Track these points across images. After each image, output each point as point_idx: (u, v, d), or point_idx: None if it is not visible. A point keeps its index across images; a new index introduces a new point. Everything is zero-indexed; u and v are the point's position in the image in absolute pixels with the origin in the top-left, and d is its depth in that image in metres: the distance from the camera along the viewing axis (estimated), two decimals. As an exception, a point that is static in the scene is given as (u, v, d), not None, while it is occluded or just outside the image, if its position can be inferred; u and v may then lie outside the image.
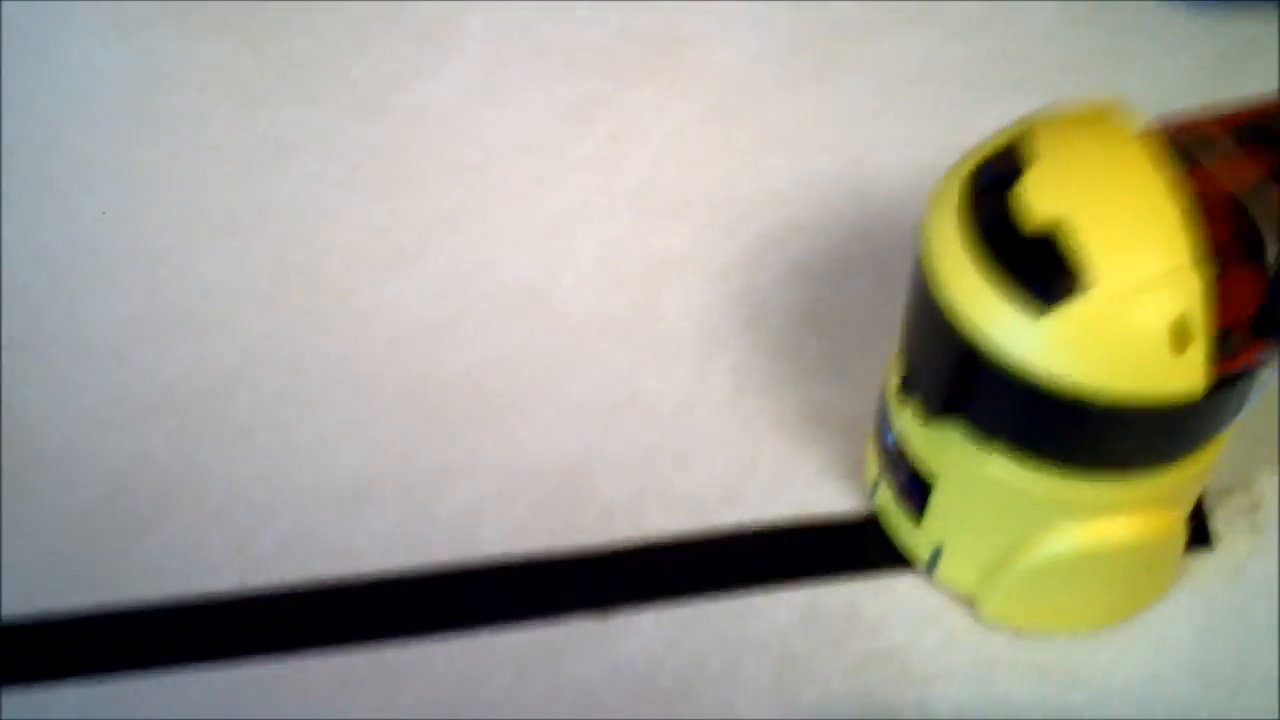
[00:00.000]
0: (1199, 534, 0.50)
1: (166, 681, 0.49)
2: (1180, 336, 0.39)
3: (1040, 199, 0.40)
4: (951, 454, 0.45)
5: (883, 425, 0.48)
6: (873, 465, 0.51)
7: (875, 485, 0.51)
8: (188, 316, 0.57)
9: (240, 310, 0.57)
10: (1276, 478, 0.52)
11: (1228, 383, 0.40)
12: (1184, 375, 0.39)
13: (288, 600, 0.51)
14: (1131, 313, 0.39)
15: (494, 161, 0.62)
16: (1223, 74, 0.63)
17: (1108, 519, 0.45)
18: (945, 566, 0.49)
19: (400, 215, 0.60)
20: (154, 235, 0.60)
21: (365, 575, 0.51)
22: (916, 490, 0.47)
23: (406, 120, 0.63)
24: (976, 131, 0.44)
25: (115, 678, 0.49)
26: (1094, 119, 0.42)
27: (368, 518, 0.52)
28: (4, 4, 0.67)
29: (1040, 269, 0.40)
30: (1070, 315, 0.39)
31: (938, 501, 0.47)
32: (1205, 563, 0.50)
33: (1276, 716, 0.47)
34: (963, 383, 0.42)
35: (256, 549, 0.51)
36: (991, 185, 0.42)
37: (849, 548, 0.51)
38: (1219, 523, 0.51)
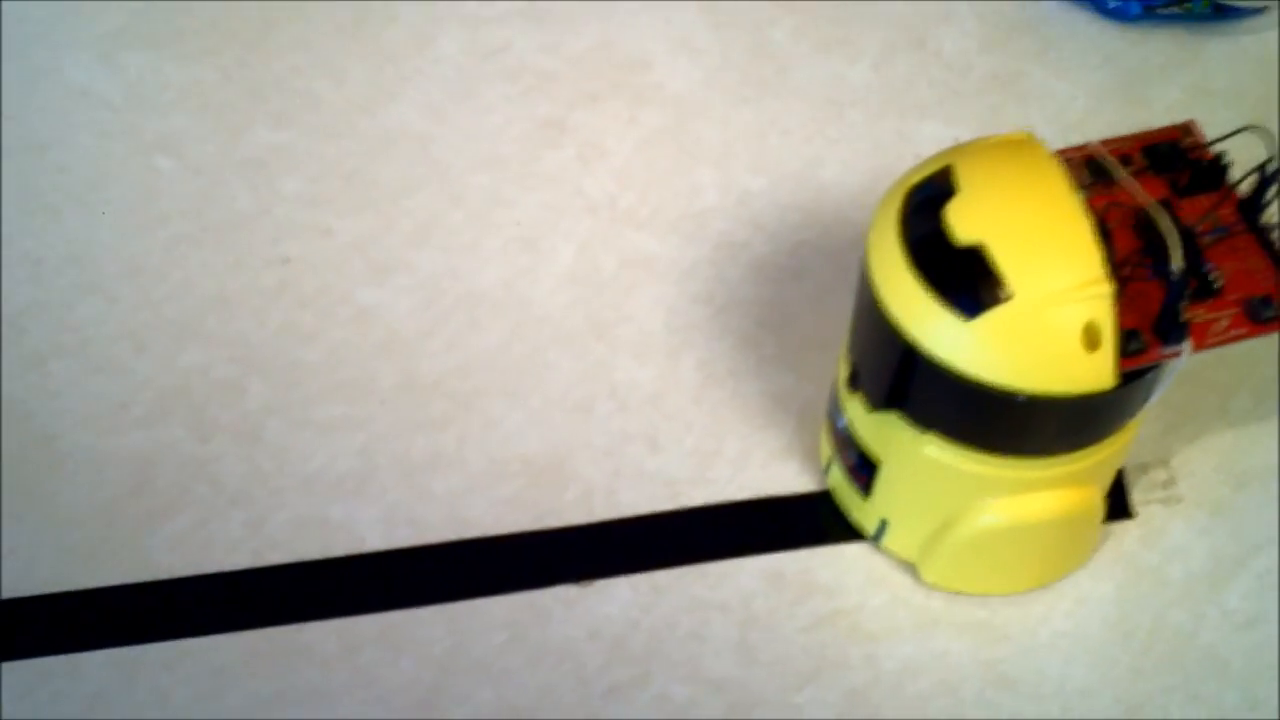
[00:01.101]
0: (1120, 506, 0.54)
1: (188, 647, 0.52)
2: (1091, 339, 0.43)
3: (967, 218, 0.44)
4: (894, 439, 0.48)
5: (834, 412, 0.52)
6: (826, 448, 0.54)
7: (828, 465, 0.54)
8: (186, 327, 0.59)
9: (235, 320, 0.59)
10: (1190, 454, 0.55)
11: (1135, 377, 0.44)
12: (1095, 372, 0.43)
13: (299, 572, 0.54)
14: (1047, 319, 0.43)
15: (467, 178, 0.63)
16: (1135, 93, 0.64)
17: (1032, 495, 0.48)
18: (890, 537, 0.52)
19: (377, 231, 0.62)
20: (145, 253, 0.61)
21: (370, 550, 0.54)
22: (864, 470, 0.51)
23: (379, 141, 0.64)
24: (912, 147, 0.46)
25: (140, 645, 0.52)
26: (1016, 146, 0.46)
27: (369, 499, 0.55)
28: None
29: (967, 281, 0.43)
30: (994, 322, 0.43)
31: (883, 480, 0.50)
32: (1126, 530, 0.54)
33: (1187, 664, 0.51)
34: (902, 379, 0.46)
35: (270, 529, 0.54)
36: (925, 204, 0.45)
37: (805, 521, 0.55)
38: (1138, 495, 0.54)
